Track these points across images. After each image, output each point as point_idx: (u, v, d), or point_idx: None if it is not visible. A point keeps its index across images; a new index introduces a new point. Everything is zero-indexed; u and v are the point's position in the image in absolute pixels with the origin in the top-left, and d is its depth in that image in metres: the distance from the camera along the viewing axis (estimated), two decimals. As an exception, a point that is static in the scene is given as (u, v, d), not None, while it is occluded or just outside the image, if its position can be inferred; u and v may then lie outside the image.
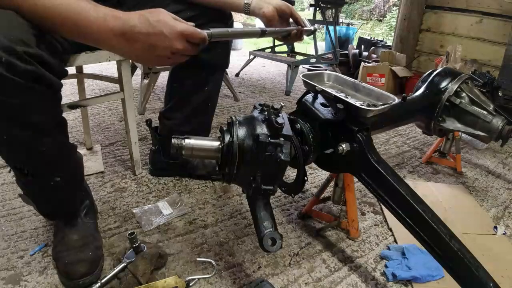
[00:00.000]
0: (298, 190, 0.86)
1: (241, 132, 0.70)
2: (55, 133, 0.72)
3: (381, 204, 1.23)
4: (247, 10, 0.94)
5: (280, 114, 0.72)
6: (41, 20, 0.57)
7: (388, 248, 1.01)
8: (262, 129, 0.71)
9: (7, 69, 0.54)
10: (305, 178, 0.82)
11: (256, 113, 0.77)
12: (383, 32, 8.03)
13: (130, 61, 1.23)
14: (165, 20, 0.61)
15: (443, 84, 1.20)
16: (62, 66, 0.67)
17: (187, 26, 0.63)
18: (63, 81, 0.70)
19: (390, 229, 1.10)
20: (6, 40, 0.54)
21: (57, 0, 0.56)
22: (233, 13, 1.06)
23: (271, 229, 0.69)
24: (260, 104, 0.80)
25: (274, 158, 0.70)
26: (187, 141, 0.71)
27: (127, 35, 0.60)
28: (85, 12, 0.57)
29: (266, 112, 0.74)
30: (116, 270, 0.82)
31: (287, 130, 0.72)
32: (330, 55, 3.27)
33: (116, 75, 1.17)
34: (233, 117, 0.74)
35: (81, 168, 0.89)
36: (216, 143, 0.73)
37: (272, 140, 0.69)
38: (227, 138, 0.71)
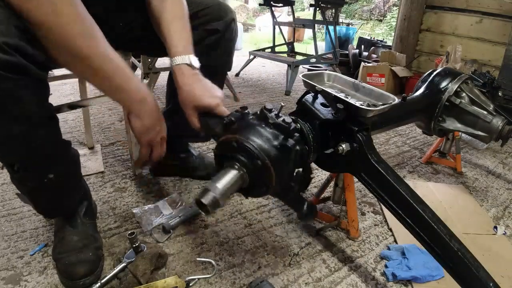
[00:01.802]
0: (302, 188, 0.85)
1: (262, 148, 0.66)
2: (45, 128, 0.70)
3: (381, 204, 1.23)
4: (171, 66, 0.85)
5: (278, 113, 0.71)
6: (91, 67, 0.65)
7: (388, 248, 1.01)
8: (275, 136, 0.69)
9: None
10: (311, 176, 0.80)
11: (246, 120, 0.73)
12: (383, 32, 8.04)
13: (130, 61, 1.23)
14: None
15: (443, 84, 1.20)
16: (44, 57, 0.65)
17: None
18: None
19: (390, 229, 1.10)
20: None
21: (114, 57, 0.67)
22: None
23: (306, 202, 0.76)
24: (241, 108, 0.76)
25: (298, 153, 0.70)
26: (218, 191, 0.64)
27: (147, 100, 0.75)
28: (129, 72, 0.71)
29: (252, 116, 0.73)
30: (116, 270, 0.82)
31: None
32: (330, 55, 3.28)
33: (116, 75, 1.17)
34: (238, 138, 0.67)
35: (76, 166, 0.88)
36: (235, 172, 0.67)
37: (293, 141, 0.69)
38: (247, 161, 0.67)
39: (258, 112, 0.72)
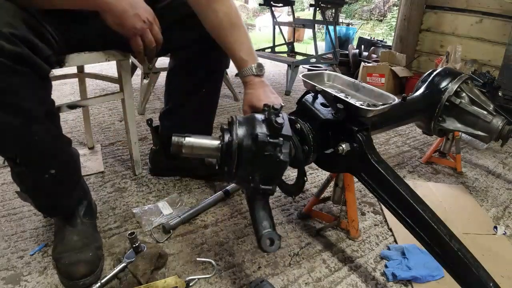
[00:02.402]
0: (297, 191, 0.86)
1: (240, 131, 0.70)
2: (46, 122, 0.72)
3: (381, 204, 1.23)
4: (239, 76, 0.93)
5: (280, 114, 0.72)
6: None
7: (388, 248, 1.01)
8: (261, 129, 0.70)
9: None
10: (305, 178, 0.81)
11: (256, 113, 0.77)
12: (383, 32, 8.04)
13: (130, 61, 1.23)
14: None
15: (443, 84, 1.20)
16: (51, 52, 0.66)
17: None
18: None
19: (390, 229, 1.10)
20: None
21: None
22: None
23: (269, 229, 0.68)
24: (264, 104, 0.80)
25: (274, 158, 0.69)
26: (187, 139, 0.72)
27: None
28: None
29: (266, 112, 0.74)
30: (116, 270, 0.82)
31: (287, 130, 0.72)
32: (330, 55, 3.27)
33: (116, 75, 1.18)
34: (233, 117, 0.74)
35: (76, 164, 0.89)
36: (216, 142, 0.73)
37: (271, 140, 0.69)
38: (226, 137, 0.71)
39: (265, 108, 0.76)
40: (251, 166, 0.70)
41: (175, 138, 0.71)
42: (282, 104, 0.73)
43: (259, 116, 0.74)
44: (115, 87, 1.25)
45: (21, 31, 0.58)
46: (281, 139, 0.70)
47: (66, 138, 0.81)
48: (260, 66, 0.90)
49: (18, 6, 0.60)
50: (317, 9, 3.01)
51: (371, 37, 4.48)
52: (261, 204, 0.73)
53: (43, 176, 0.76)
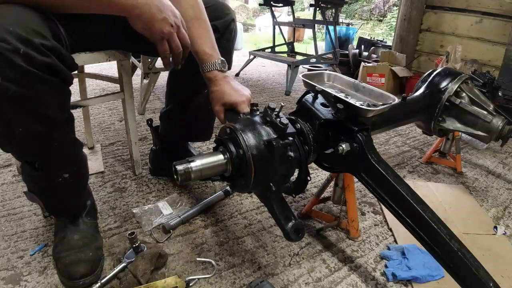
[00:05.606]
0: (300, 190, 0.85)
1: (249, 141, 0.69)
2: (66, 128, 0.73)
3: (381, 204, 1.23)
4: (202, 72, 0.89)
5: (280, 114, 0.72)
6: None
7: (388, 248, 1.01)
8: (268, 133, 0.70)
9: (25, 61, 0.55)
10: (308, 177, 0.80)
11: (252, 116, 0.76)
12: (383, 32, 8.04)
13: (131, 61, 1.23)
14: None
15: (443, 84, 1.20)
16: (73, 59, 0.68)
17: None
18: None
19: (390, 229, 1.10)
20: (23, 32, 0.55)
21: None
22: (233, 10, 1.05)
23: (293, 221, 0.71)
24: (251, 104, 0.80)
25: (286, 158, 0.71)
26: (192, 164, 0.67)
27: None
28: None
29: (258, 113, 0.74)
30: (116, 270, 0.82)
31: (290, 127, 0.73)
32: (330, 55, 3.27)
33: (116, 75, 1.18)
34: (232, 126, 0.72)
35: (86, 167, 0.90)
36: (221, 157, 0.71)
37: (282, 142, 0.69)
38: (233, 149, 0.70)
39: (263, 110, 0.75)
40: (266, 172, 0.70)
41: (180, 167, 0.66)
42: (282, 104, 0.73)
43: (258, 119, 0.73)
44: (115, 87, 1.25)
45: (50, 41, 0.59)
46: (290, 138, 0.70)
47: (79, 141, 0.82)
48: (223, 62, 0.88)
49: (38, 11, 0.61)
50: (317, 9, 3.01)
51: (371, 37, 4.48)
52: (278, 200, 0.74)
53: (57, 180, 0.77)
